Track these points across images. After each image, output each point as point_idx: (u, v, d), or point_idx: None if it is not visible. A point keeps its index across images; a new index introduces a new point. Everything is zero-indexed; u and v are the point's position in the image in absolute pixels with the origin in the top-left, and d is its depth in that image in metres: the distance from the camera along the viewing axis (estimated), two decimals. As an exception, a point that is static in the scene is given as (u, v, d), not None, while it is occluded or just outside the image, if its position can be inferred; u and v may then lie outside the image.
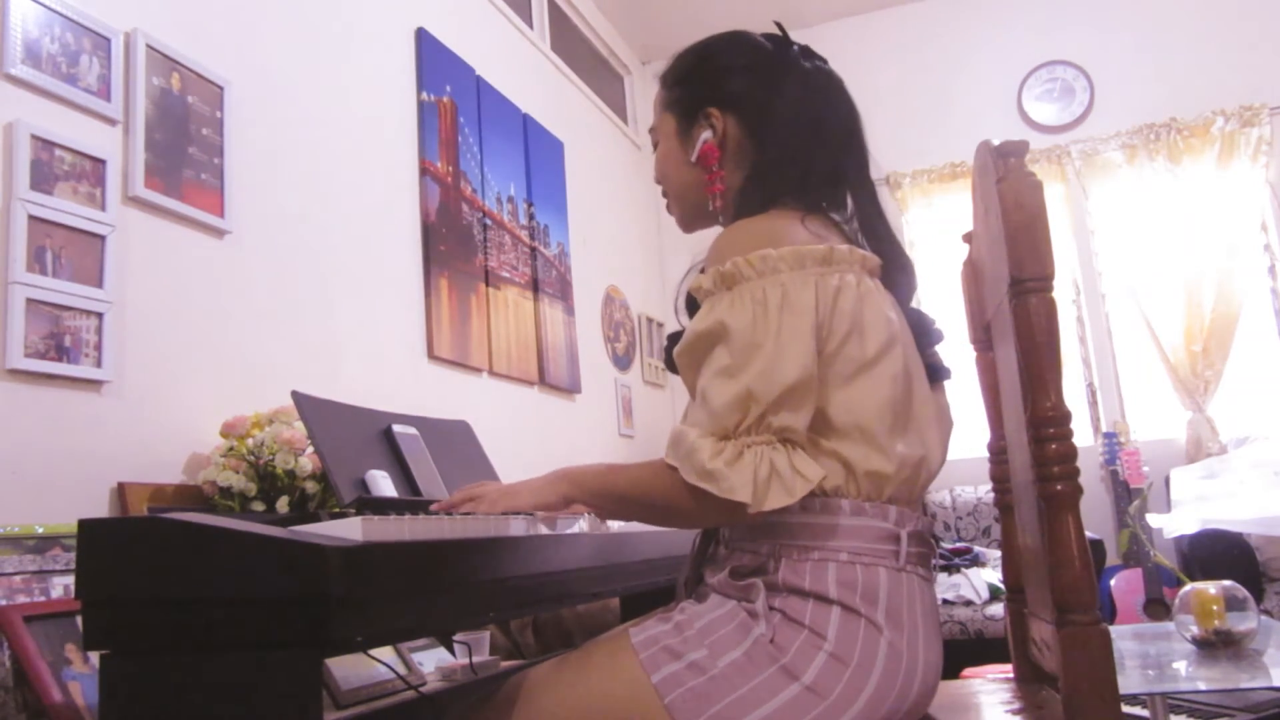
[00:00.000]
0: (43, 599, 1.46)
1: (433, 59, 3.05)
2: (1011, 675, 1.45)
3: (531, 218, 3.60)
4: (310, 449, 1.81)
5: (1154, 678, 1.86)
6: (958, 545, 3.76)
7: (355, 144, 2.64)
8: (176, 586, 0.83)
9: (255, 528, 0.84)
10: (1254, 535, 3.46)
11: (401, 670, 1.72)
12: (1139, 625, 3.01)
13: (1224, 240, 4.10)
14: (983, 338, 1.45)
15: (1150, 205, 4.23)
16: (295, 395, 1.49)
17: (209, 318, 2.03)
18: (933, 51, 4.66)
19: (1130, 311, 4.27)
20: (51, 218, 1.70)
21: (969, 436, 1.28)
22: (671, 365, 1.14)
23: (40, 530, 1.53)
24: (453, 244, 3.01)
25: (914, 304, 1.18)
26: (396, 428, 1.62)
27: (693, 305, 1.11)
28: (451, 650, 1.97)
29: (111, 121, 1.87)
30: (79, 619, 1.26)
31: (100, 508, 1.72)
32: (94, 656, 1.26)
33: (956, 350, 1.50)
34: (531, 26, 3.92)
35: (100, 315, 1.76)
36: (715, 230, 1.18)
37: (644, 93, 5.11)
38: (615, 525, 1.39)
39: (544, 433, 3.43)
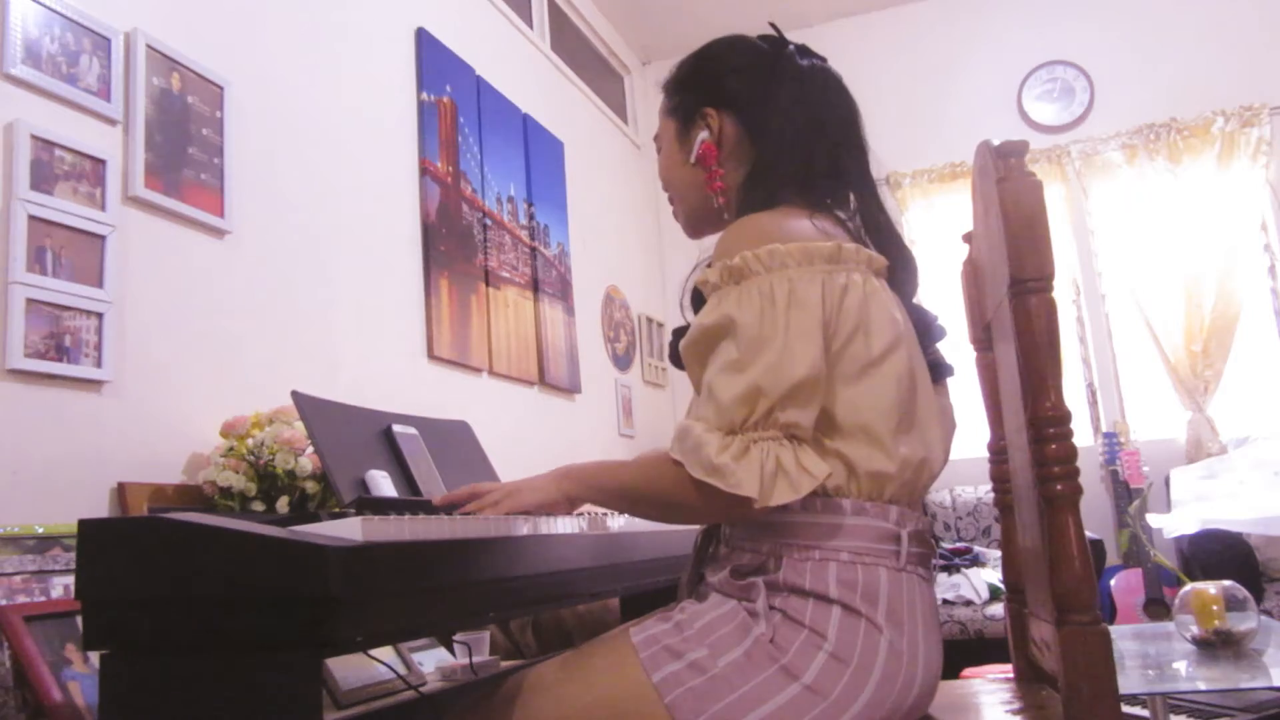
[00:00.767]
0: (43, 599, 1.46)
1: (433, 59, 3.05)
2: (1011, 675, 1.45)
3: (531, 218, 3.60)
4: (310, 449, 1.81)
5: (1154, 678, 1.86)
6: (958, 545, 3.76)
7: (355, 144, 2.64)
8: (176, 586, 0.83)
9: (255, 528, 0.84)
10: (1254, 535, 3.46)
11: (401, 670, 1.72)
12: (1139, 625, 3.01)
13: (1224, 240, 4.10)
14: (983, 338, 1.45)
15: (1150, 205, 4.23)
16: (295, 395, 1.49)
17: (209, 318, 2.03)
18: (933, 51, 4.66)
19: (1130, 311, 4.27)
20: (51, 218, 1.70)
21: (969, 436, 1.28)
22: (677, 360, 1.13)
23: (40, 530, 1.53)
24: (453, 244, 3.01)
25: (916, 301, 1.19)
26: (396, 428, 1.62)
27: (698, 300, 1.11)
28: (451, 650, 1.97)
29: (111, 121, 1.87)
30: (79, 619, 1.26)
31: (100, 508, 1.72)
32: (94, 656, 1.26)
33: (957, 350, 1.50)
34: (531, 26, 3.92)
35: (100, 315, 1.76)
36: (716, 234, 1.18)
37: (644, 93, 5.11)
38: (615, 525, 1.39)
39: (544, 433, 3.43)
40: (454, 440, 1.80)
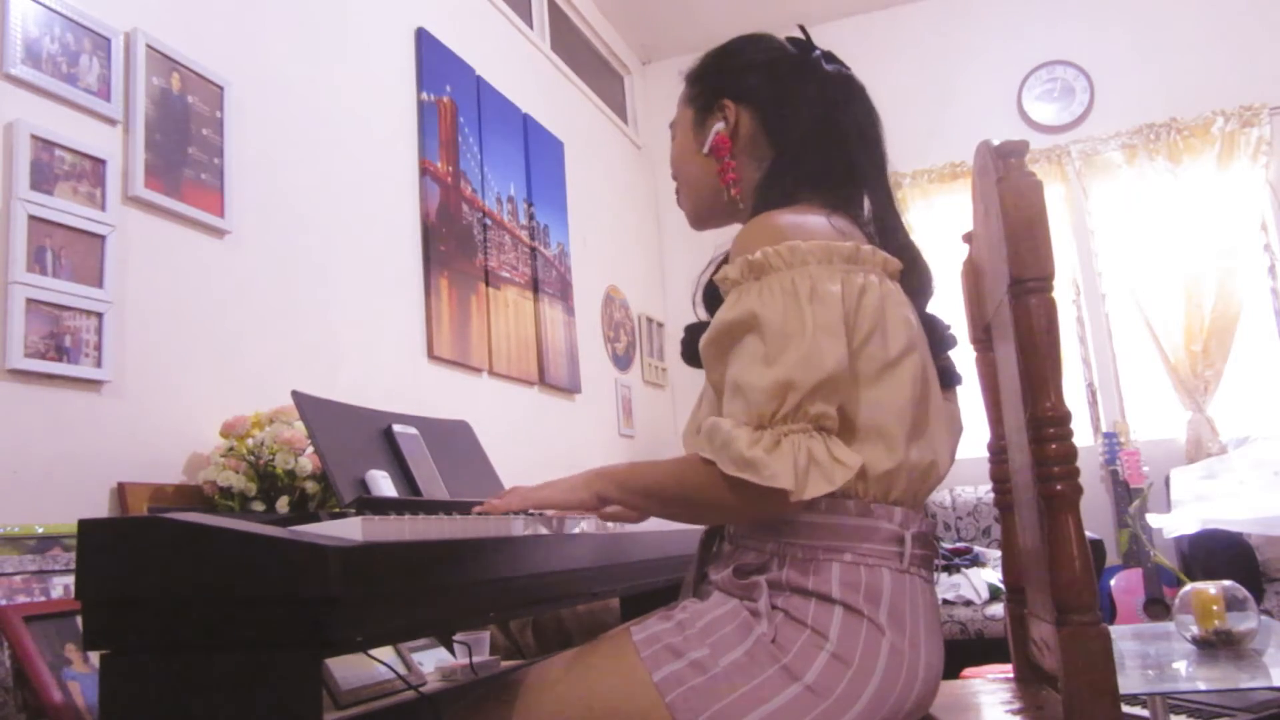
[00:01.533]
0: (43, 599, 1.46)
1: (433, 59, 3.05)
2: (1011, 675, 1.45)
3: (531, 218, 3.60)
4: (310, 449, 1.81)
5: (1154, 678, 1.86)
6: (958, 545, 3.76)
7: (355, 144, 2.64)
8: (176, 586, 0.83)
9: (255, 528, 0.84)
10: (1254, 535, 3.46)
11: (401, 670, 1.72)
12: (1139, 625, 3.01)
13: (1224, 240, 4.10)
14: (983, 338, 1.45)
15: (1150, 205, 4.23)
16: (295, 395, 1.49)
17: (209, 318, 2.03)
18: (933, 51, 4.67)
19: (1130, 311, 4.27)
20: (51, 218, 1.70)
21: (969, 436, 1.28)
22: (691, 358, 1.13)
23: (40, 530, 1.53)
24: (453, 244, 3.01)
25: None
26: (396, 428, 1.62)
27: (712, 298, 1.11)
28: (451, 650, 1.97)
29: (111, 121, 1.87)
30: (79, 619, 1.26)
31: (100, 508, 1.72)
32: (94, 656, 1.26)
33: (957, 350, 1.50)
34: (531, 26, 3.92)
35: (100, 315, 1.76)
36: (724, 231, 1.18)
37: (644, 93, 5.11)
38: (615, 525, 1.39)
39: (544, 433, 3.43)
40: (454, 440, 1.80)
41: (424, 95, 2.98)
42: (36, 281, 1.66)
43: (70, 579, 1.52)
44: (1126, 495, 3.70)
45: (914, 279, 1.14)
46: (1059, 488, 0.99)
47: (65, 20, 1.80)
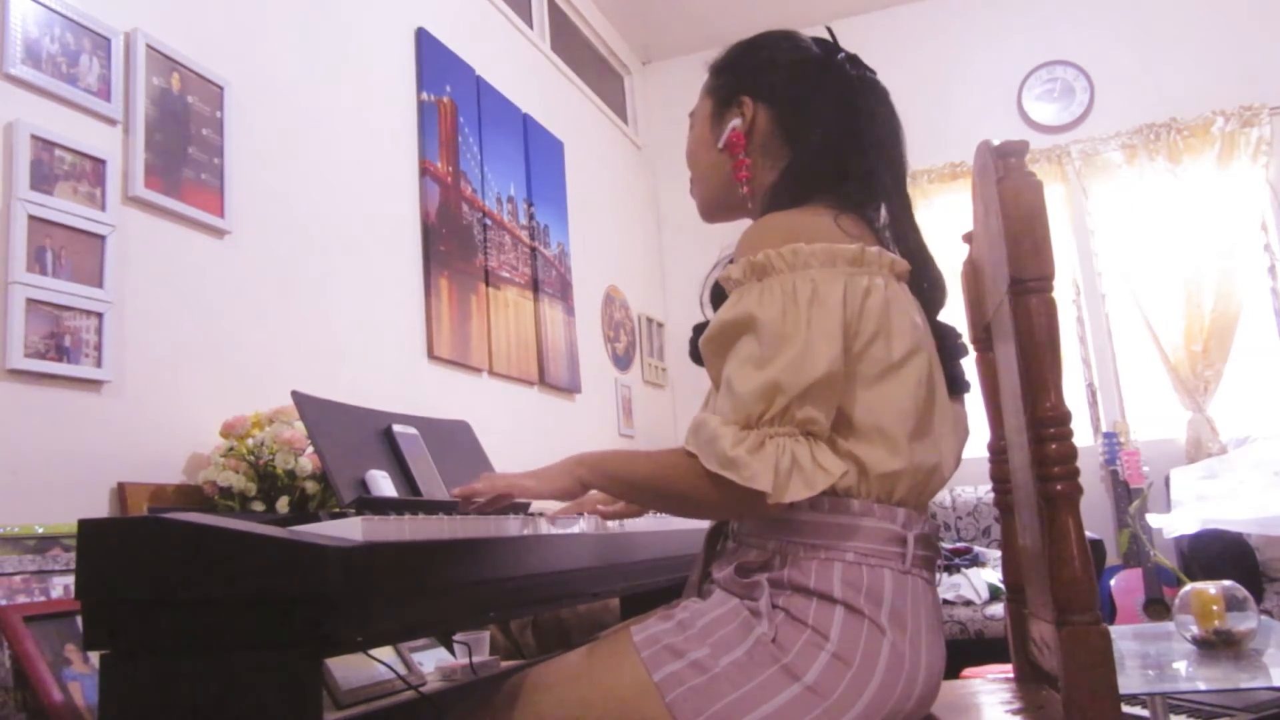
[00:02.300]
0: (43, 599, 1.46)
1: (433, 59, 3.05)
2: (1011, 675, 1.45)
3: (531, 218, 3.60)
4: (310, 449, 1.81)
5: (1154, 678, 1.86)
6: (958, 545, 3.76)
7: (355, 144, 2.64)
8: (176, 586, 0.83)
9: (255, 528, 0.84)
10: (1254, 535, 3.46)
11: (401, 670, 1.72)
12: (1139, 625, 3.01)
13: (1224, 240, 4.10)
14: (983, 338, 1.45)
15: (1150, 205, 4.23)
16: (295, 395, 1.49)
17: (209, 318, 2.03)
18: (933, 51, 4.67)
19: (1130, 311, 4.27)
20: (51, 218, 1.70)
21: (969, 437, 1.28)
22: (696, 356, 1.13)
23: (40, 530, 1.53)
24: (453, 244, 3.01)
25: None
26: (396, 428, 1.62)
27: (719, 297, 1.11)
28: (451, 650, 1.97)
29: (111, 121, 1.87)
30: (79, 619, 1.26)
31: (100, 508, 1.72)
32: (94, 656, 1.26)
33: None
34: (531, 26, 3.92)
35: (100, 315, 1.76)
36: (734, 225, 1.18)
37: (644, 93, 5.11)
38: (615, 525, 1.39)
39: (544, 433, 3.43)
40: (454, 440, 1.80)
41: (424, 95, 2.98)
42: (36, 281, 1.66)
43: (70, 579, 1.52)
44: (1126, 495, 3.70)
45: (924, 284, 1.14)
46: (1059, 488, 0.99)
47: (65, 20, 1.80)
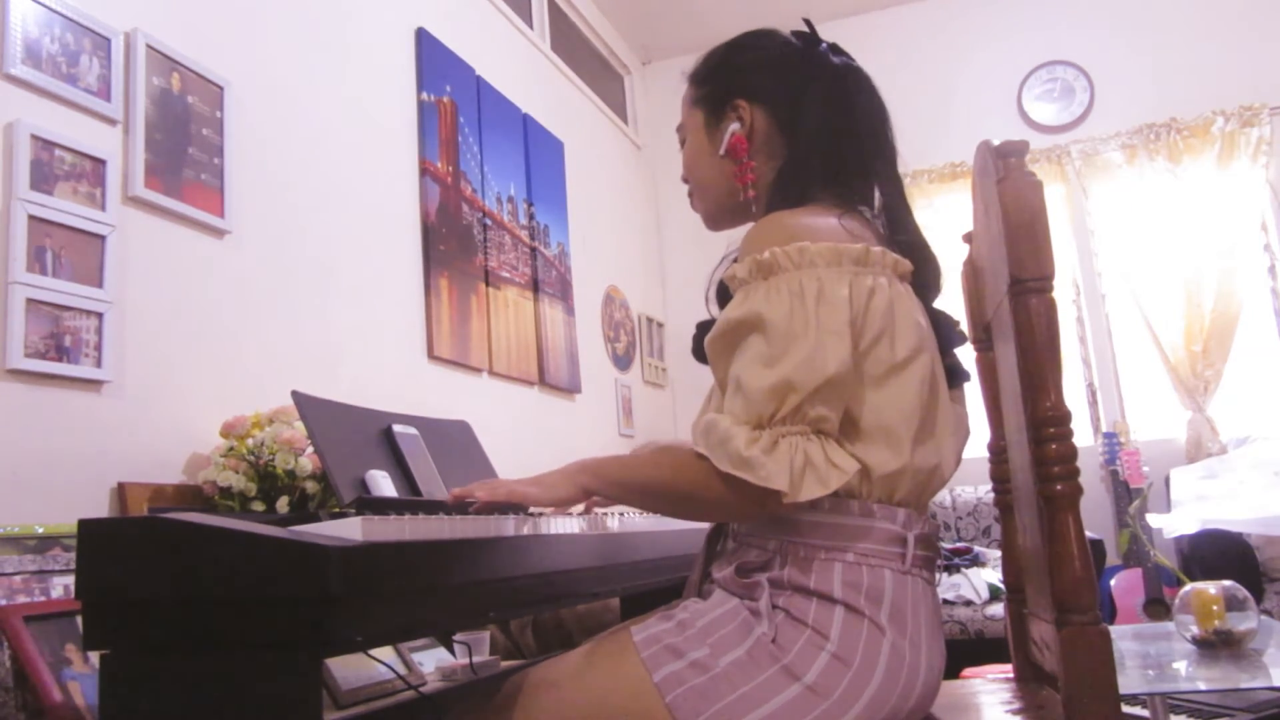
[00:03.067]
0: (43, 599, 1.46)
1: (433, 59, 3.05)
2: (1011, 675, 1.45)
3: (531, 218, 3.60)
4: (310, 449, 1.81)
5: (1154, 678, 1.86)
6: (958, 545, 3.76)
7: (355, 144, 2.64)
8: (176, 586, 0.83)
9: (255, 528, 0.84)
10: (1254, 535, 3.46)
11: (401, 670, 1.72)
12: (1139, 625, 3.01)
13: (1224, 240, 4.10)
14: (983, 338, 1.45)
15: (1150, 205, 4.23)
16: (295, 395, 1.49)
17: (209, 318, 2.03)
18: (933, 51, 4.67)
19: (1130, 311, 4.27)
20: (51, 218, 1.70)
21: (969, 436, 1.28)
22: (700, 354, 1.13)
23: (40, 530, 1.53)
24: (453, 244, 3.01)
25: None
26: (396, 428, 1.62)
27: (724, 296, 1.11)
28: (451, 650, 1.97)
29: (111, 121, 1.87)
30: (79, 619, 1.26)
31: (100, 508, 1.72)
32: (94, 656, 1.26)
33: (960, 352, 1.50)
34: (531, 26, 3.92)
35: (100, 315, 1.76)
36: (739, 230, 1.18)
37: (644, 93, 5.11)
38: (615, 525, 1.39)
39: (544, 433, 3.43)
40: (454, 440, 1.80)
41: (424, 95, 2.98)
42: (36, 281, 1.66)
43: (70, 579, 1.52)
44: (1126, 495, 3.70)
45: (924, 276, 1.14)
46: (1059, 488, 0.99)
47: (65, 20, 1.80)
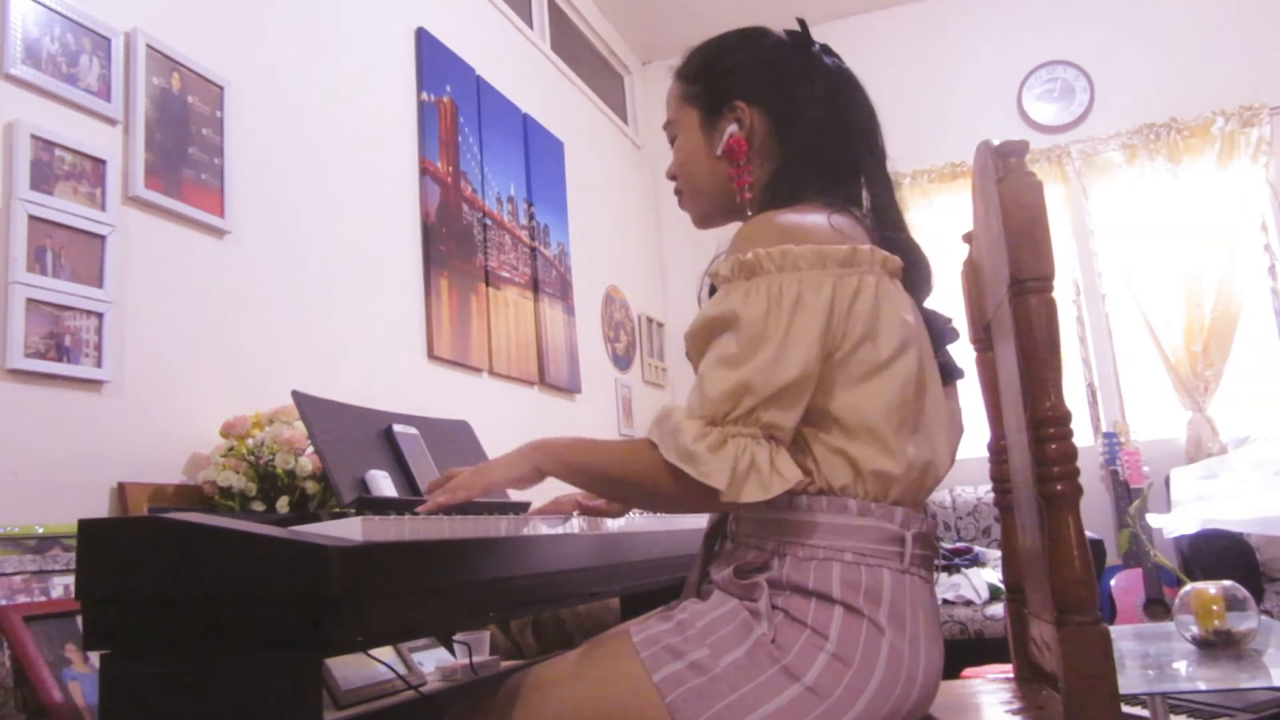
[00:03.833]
0: (43, 599, 1.46)
1: (433, 59, 3.05)
2: (1011, 675, 1.45)
3: (531, 218, 3.60)
4: (310, 449, 1.81)
5: (1154, 678, 1.86)
6: (958, 545, 3.76)
7: (355, 144, 2.64)
8: (176, 586, 0.83)
9: (255, 528, 0.84)
10: (1254, 535, 3.46)
11: (401, 670, 1.72)
12: (1139, 625, 3.01)
13: (1224, 240, 4.10)
14: (983, 338, 1.45)
15: (1150, 205, 4.23)
16: (295, 395, 1.49)
17: (209, 318, 2.03)
18: (933, 51, 4.67)
19: (1130, 311, 4.27)
20: (51, 218, 1.70)
21: (969, 436, 1.28)
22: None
23: (40, 530, 1.53)
24: (453, 244, 3.01)
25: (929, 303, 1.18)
26: (396, 427, 1.62)
27: (714, 293, 1.11)
28: (451, 650, 1.97)
29: (111, 121, 1.87)
30: (79, 619, 1.26)
31: (100, 508, 1.72)
32: (94, 656, 1.26)
33: (957, 350, 1.50)
34: (531, 26, 3.92)
35: (100, 315, 1.76)
36: (728, 228, 1.18)
37: (644, 93, 5.11)
38: (614, 525, 1.39)
39: (544, 433, 3.39)
40: (454, 440, 1.80)
41: (424, 95, 2.98)
42: (36, 281, 1.66)
43: (70, 579, 1.52)
44: (1126, 495, 3.70)
45: (915, 276, 1.14)
46: (1059, 488, 0.99)
47: (65, 20, 1.80)
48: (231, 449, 1.84)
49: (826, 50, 1.21)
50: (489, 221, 3.27)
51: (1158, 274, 4.18)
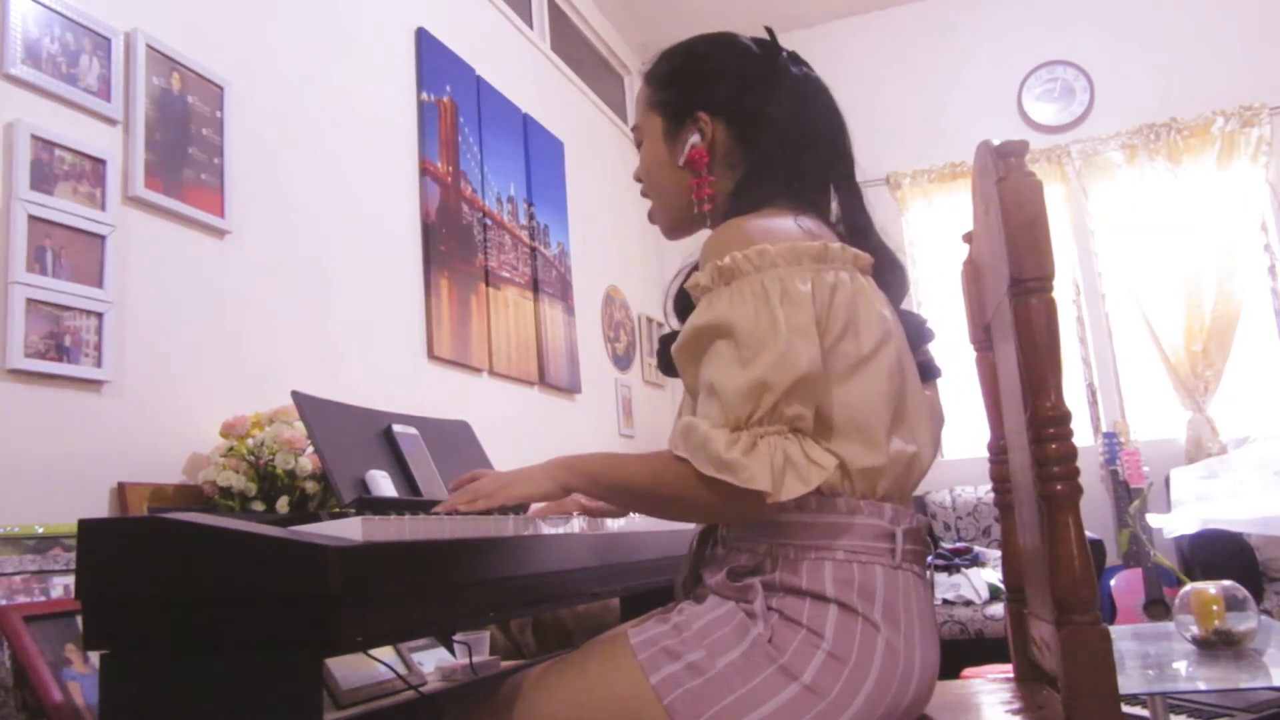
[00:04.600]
0: (43, 599, 1.46)
1: (433, 59, 3.05)
2: (1011, 675, 1.45)
3: (531, 218, 3.60)
4: (310, 449, 1.81)
5: (1154, 678, 1.86)
6: (958, 545, 3.76)
7: (355, 144, 2.64)
8: (176, 586, 0.83)
9: (255, 528, 0.84)
10: (1254, 535, 3.46)
11: (401, 670, 1.72)
12: (1139, 625, 3.01)
13: (1224, 240, 4.10)
14: (983, 338, 1.45)
15: (1150, 205, 4.23)
16: (295, 395, 1.49)
17: (209, 318, 2.03)
18: (933, 51, 4.66)
19: (1130, 311, 4.27)
20: (51, 218, 1.70)
21: (969, 436, 1.27)
22: (665, 367, 1.13)
23: (40, 530, 1.53)
24: (453, 244, 3.01)
25: (910, 300, 1.19)
26: (396, 428, 1.62)
27: (684, 306, 1.11)
28: (451, 650, 1.97)
29: (111, 121, 1.87)
30: (79, 619, 1.26)
31: (100, 508, 1.72)
32: (94, 656, 1.26)
33: (957, 350, 1.50)
34: (531, 26, 3.92)
35: (100, 315, 1.76)
36: (696, 238, 1.18)
37: (644, 93, 5.11)
38: (615, 525, 1.39)
39: (544, 433, 3.43)
40: (454, 440, 1.80)
41: (424, 95, 2.98)
42: (36, 281, 1.66)
43: (70, 579, 1.52)
44: (1126, 495, 3.70)
45: (889, 276, 1.14)
46: (1059, 488, 0.99)
47: (65, 20, 1.80)
48: (231, 449, 1.84)
49: (794, 59, 1.21)
50: (489, 221, 3.27)
51: (1158, 274, 4.19)
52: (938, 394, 1.21)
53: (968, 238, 1.47)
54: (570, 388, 3.68)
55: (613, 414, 4.10)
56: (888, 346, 1.04)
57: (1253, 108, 4.14)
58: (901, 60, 4.63)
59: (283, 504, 1.80)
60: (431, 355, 2.82)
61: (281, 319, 2.25)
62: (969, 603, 3.43)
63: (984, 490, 4.01)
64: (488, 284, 3.19)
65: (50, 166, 1.72)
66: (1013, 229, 1.02)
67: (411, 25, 3.00)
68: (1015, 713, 1.24)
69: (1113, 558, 3.74)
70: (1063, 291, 4.32)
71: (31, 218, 1.67)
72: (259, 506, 1.81)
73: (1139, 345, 4.25)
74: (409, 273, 2.80)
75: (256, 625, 0.81)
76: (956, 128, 4.46)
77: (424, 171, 2.92)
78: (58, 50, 1.78)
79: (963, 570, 3.58)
